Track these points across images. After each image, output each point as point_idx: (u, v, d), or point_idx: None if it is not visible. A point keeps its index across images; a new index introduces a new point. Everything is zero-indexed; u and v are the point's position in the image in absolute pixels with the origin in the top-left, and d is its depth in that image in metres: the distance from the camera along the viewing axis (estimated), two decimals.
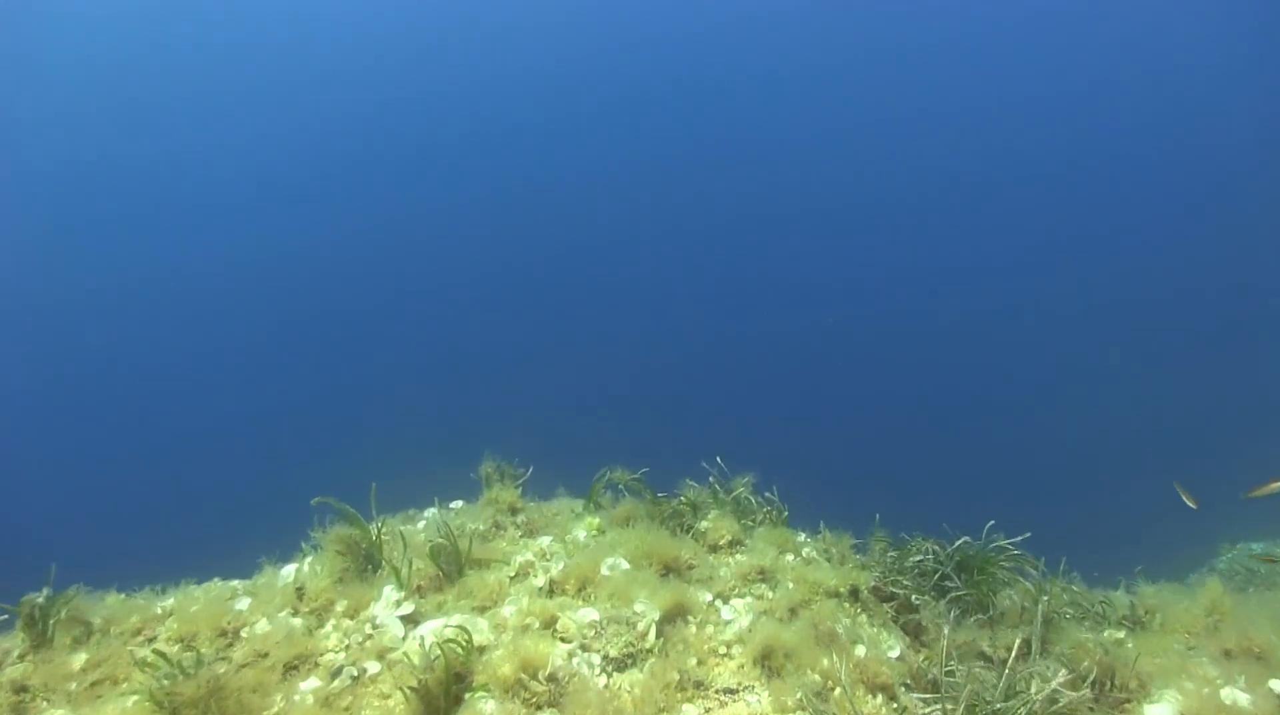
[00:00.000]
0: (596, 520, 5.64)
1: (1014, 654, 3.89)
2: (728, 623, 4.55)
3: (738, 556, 5.43)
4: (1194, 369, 22.41)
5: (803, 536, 6.14)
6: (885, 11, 35.23)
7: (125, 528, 20.71)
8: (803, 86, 36.00)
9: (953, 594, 5.58)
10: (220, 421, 28.01)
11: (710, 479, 6.32)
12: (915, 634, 5.47)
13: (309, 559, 5.20)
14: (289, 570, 5.14)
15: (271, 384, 30.05)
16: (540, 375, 26.35)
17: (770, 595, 4.95)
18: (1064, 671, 3.87)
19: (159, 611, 4.66)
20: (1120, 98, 33.67)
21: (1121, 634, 5.23)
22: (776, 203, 33.59)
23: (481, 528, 5.66)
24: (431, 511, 6.42)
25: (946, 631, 4.29)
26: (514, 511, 6.05)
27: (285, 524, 5.95)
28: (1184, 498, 7.11)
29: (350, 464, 19.76)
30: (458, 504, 6.52)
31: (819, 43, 35.82)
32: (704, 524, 5.68)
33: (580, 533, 5.49)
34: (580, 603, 4.64)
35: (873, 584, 5.57)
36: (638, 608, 4.44)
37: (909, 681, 4.64)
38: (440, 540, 4.96)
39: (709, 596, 4.80)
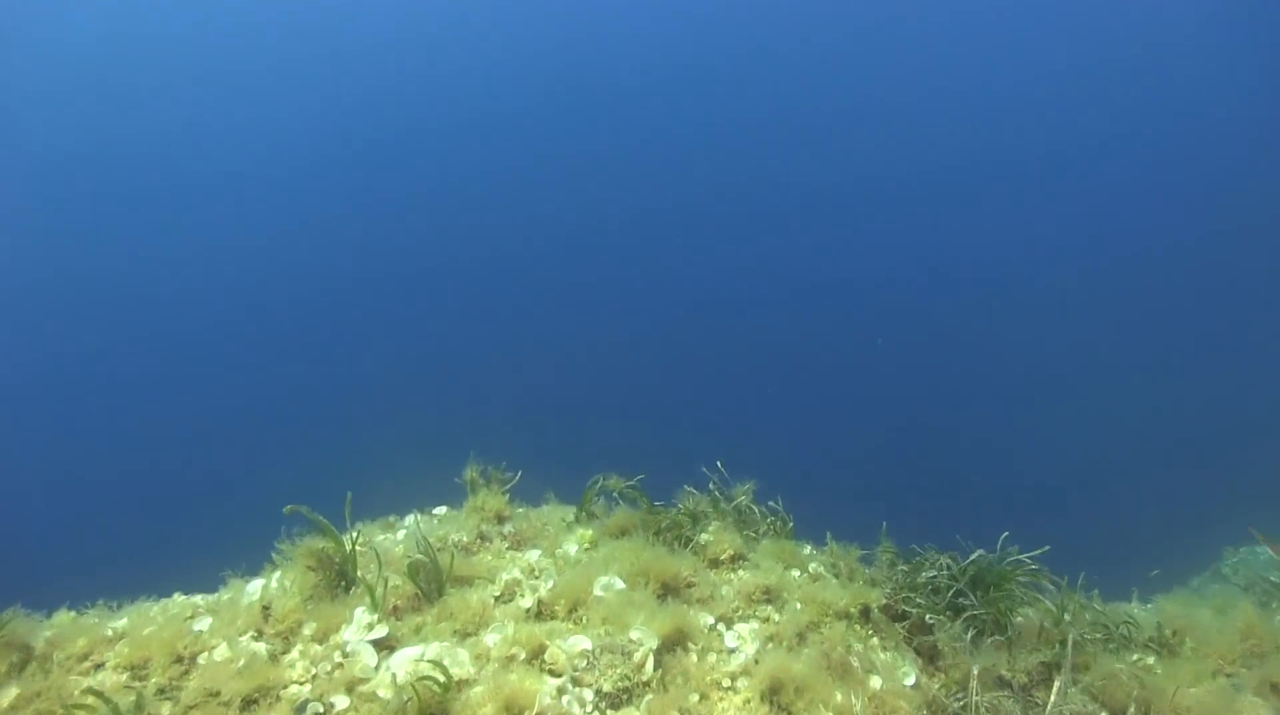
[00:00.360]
0: (589, 532, 5.23)
1: (1054, 693, 3.49)
2: (731, 651, 4.15)
3: (740, 573, 5.03)
4: (1194, 368, 22.04)
5: (808, 549, 5.75)
6: None
7: (87, 535, 19.38)
8: (804, 73, 35.32)
9: (968, 613, 5.20)
10: (190, 419, 26.28)
11: (710, 486, 5.91)
12: (930, 657, 5.09)
13: (278, 573, 4.76)
14: (255, 586, 4.71)
15: (245, 379, 28.35)
16: (531, 372, 25.39)
17: (777, 618, 4.55)
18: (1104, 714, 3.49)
19: (109, 633, 4.23)
20: (1115, 86, 33.21)
21: (1151, 659, 4.86)
22: (777, 199, 32.78)
23: (465, 539, 5.23)
24: (412, 518, 5.99)
25: (975, 671, 3.89)
26: (500, 520, 5.63)
27: (258, 530, 5.51)
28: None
29: (330, 465, 18.74)
30: (441, 510, 6.09)
31: (816, 28, 35.20)
32: (704, 536, 5.27)
33: (571, 546, 5.08)
34: (571, 626, 4.24)
35: (884, 601, 5.19)
36: (634, 635, 4.04)
37: (925, 713, 4.27)
38: (419, 556, 4.54)
39: (710, 620, 4.40)
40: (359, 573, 4.73)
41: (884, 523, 6.48)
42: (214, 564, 5.66)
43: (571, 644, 3.92)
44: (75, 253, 31.78)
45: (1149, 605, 9.77)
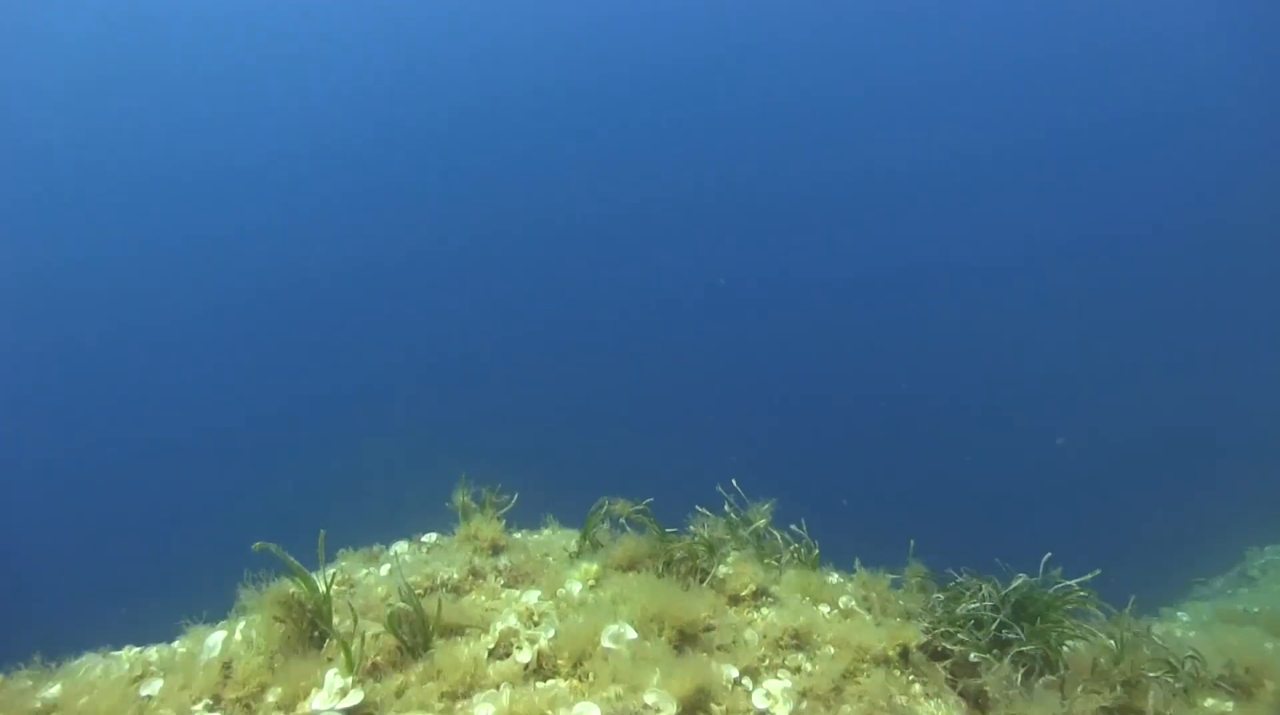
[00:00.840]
0: (594, 567, 4.61)
1: None
2: None
3: (764, 611, 4.42)
4: (1211, 366, 21.24)
5: (835, 577, 5.15)
6: None
7: (33, 573, 16.68)
8: (804, 70, 34.18)
9: (1016, 649, 4.59)
10: (154, 432, 23.35)
11: (726, 508, 5.29)
12: (976, 701, 4.49)
13: (242, 624, 4.13)
14: (216, 640, 4.07)
15: (218, 392, 25.49)
16: (528, 382, 23.70)
17: (809, 668, 3.94)
18: None
19: (38, 705, 3.59)
20: (1110, 82, 32.38)
21: (1229, 705, 4.27)
22: (795, 202, 31.36)
23: (456, 575, 4.61)
24: (399, 547, 5.37)
25: None
26: (496, 550, 5.01)
27: (229, 561, 4.86)
28: None
29: (312, 485, 17.10)
30: (430, 537, 5.47)
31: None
32: (723, 569, 4.66)
33: (575, 584, 4.46)
34: (576, 685, 3.63)
35: (922, 639, 4.59)
36: (649, 699, 3.43)
37: None
38: (401, 605, 3.92)
39: (734, 673, 3.78)
40: (335, 620, 4.11)
41: (911, 541, 5.90)
42: (180, 602, 5.03)
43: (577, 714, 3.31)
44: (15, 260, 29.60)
45: (1181, 614, 9.17)
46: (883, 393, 22.69)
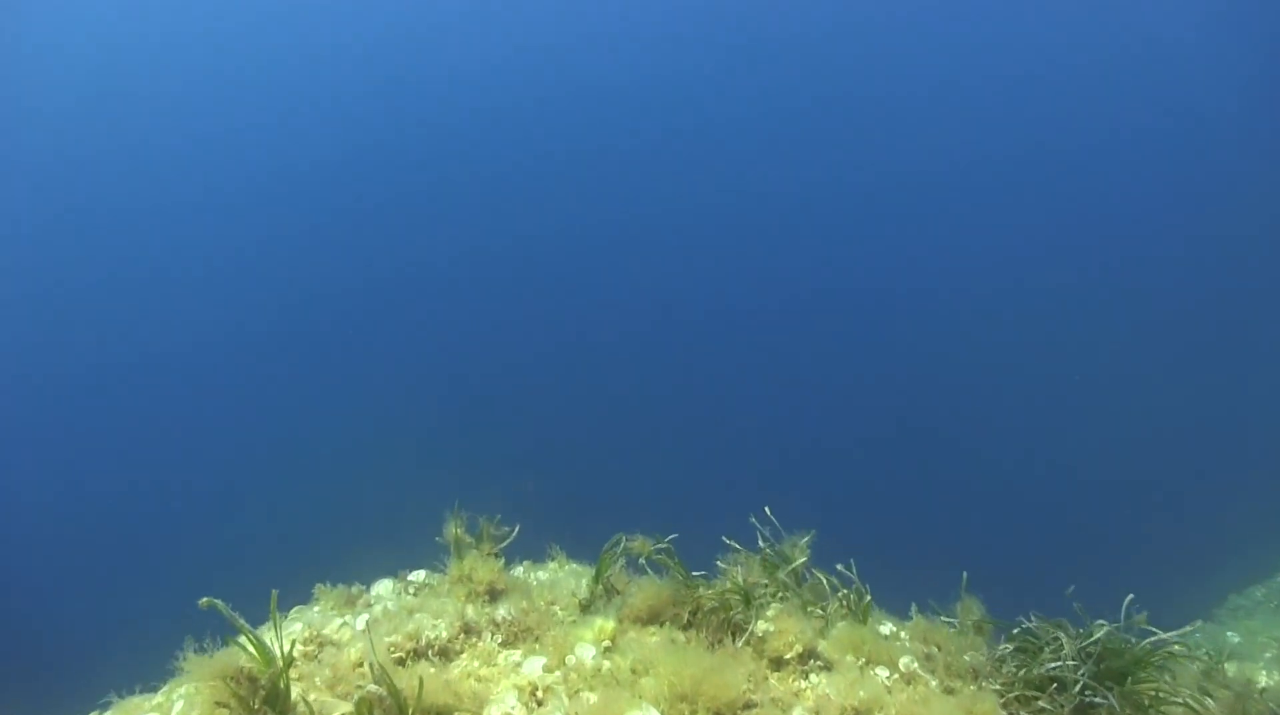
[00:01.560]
0: (609, 623, 3.79)
1: None
2: None
3: (814, 679, 3.60)
4: (1247, 374, 20.17)
5: (887, 627, 4.34)
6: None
7: None
8: (802, 73, 32.83)
9: None
10: (127, 451, 21.06)
11: (761, 545, 4.46)
12: None
13: (180, 703, 3.32)
14: None
15: (205, 404, 23.42)
16: (530, 395, 21.96)
17: None
18: None
19: None
20: (1113, 85, 31.21)
21: None
22: (808, 211, 29.97)
23: (444, 633, 3.78)
24: (382, 587, 4.56)
25: None
26: (493, 595, 4.19)
27: (189, 606, 4.02)
28: None
29: (299, 504, 15.47)
30: (419, 575, 4.65)
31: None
32: (762, 624, 3.84)
33: (587, 648, 3.63)
34: None
35: (1001, 713, 3.79)
36: None
37: None
38: (374, 687, 3.10)
39: None
40: (295, 693, 3.29)
41: (964, 573, 5.10)
42: (127, 653, 4.22)
43: None
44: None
45: (1231, 634, 8.31)
46: (902, 409, 21.59)
